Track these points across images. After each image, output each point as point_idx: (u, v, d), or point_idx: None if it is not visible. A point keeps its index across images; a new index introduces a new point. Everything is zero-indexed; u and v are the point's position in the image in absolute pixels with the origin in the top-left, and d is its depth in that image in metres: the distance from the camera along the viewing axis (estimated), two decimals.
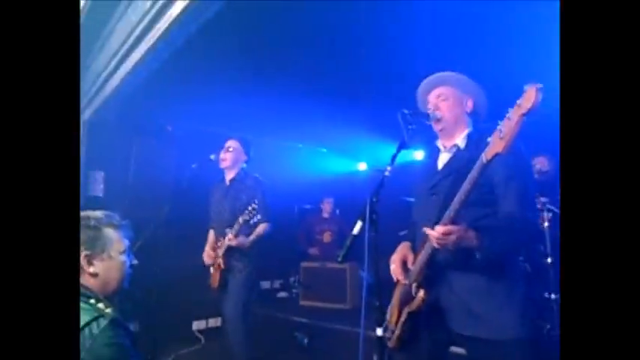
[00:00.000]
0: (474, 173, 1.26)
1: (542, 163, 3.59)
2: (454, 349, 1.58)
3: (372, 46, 3.03)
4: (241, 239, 2.75)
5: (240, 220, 2.69)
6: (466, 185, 1.28)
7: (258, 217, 2.69)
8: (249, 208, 2.67)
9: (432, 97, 1.66)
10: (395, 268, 1.62)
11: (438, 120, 1.61)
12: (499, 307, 1.41)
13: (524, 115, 1.06)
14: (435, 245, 1.35)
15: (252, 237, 2.82)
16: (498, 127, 1.15)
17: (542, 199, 3.17)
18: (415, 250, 1.65)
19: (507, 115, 1.12)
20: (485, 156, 1.20)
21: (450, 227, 1.31)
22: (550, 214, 3.29)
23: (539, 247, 3.36)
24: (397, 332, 1.55)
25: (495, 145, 1.16)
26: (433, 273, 1.50)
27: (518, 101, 1.08)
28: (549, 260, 3.20)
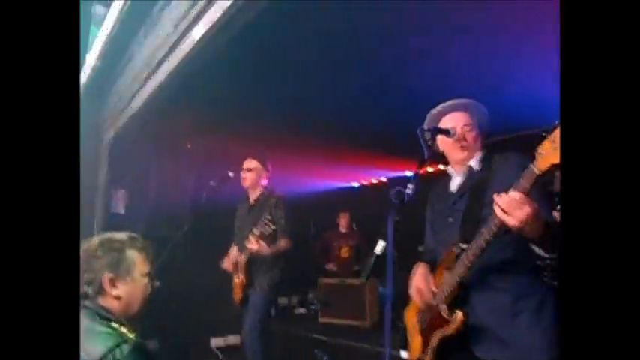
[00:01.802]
0: (524, 184, 1.16)
1: None
2: None
3: (394, 59, 3.05)
4: (262, 244, 2.71)
5: (257, 232, 2.68)
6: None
7: (273, 227, 2.67)
8: (264, 220, 2.66)
9: (454, 124, 1.64)
10: (421, 288, 1.57)
11: (464, 148, 1.61)
12: (528, 329, 1.35)
13: None
14: (500, 215, 1.19)
15: (273, 247, 2.80)
16: (550, 138, 1.09)
17: None
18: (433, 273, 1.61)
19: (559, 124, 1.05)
20: (538, 167, 1.13)
21: (521, 195, 1.15)
22: None
23: None
24: (428, 359, 1.49)
25: (549, 155, 1.10)
26: (465, 294, 1.45)
27: None
28: None
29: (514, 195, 1.16)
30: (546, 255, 1.27)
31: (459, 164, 1.66)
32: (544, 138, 1.12)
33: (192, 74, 2.64)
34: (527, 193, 1.17)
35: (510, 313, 1.38)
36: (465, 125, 1.63)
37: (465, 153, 1.61)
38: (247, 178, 3.02)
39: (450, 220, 1.58)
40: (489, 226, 1.28)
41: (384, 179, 6.40)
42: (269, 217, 2.66)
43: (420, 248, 1.87)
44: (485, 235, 1.30)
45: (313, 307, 5.19)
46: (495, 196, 1.21)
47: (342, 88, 3.46)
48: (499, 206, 1.19)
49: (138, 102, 3.08)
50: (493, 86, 3.09)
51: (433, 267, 1.65)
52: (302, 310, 5.53)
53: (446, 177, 1.73)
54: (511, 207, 1.17)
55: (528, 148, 1.25)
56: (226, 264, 3.02)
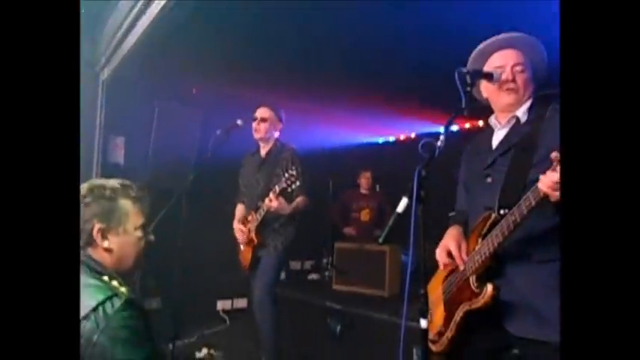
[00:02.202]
0: None
1: None
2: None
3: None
4: (282, 202, 2.71)
5: (278, 188, 2.66)
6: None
7: (297, 183, 2.64)
8: (287, 174, 2.63)
9: (502, 62, 1.55)
10: (454, 252, 1.54)
11: (511, 90, 1.52)
12: None
13: None
14: (548, 192, 1.17)
15: (292, 205, 2.82)
16: None
17: None
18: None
19: None
20: None
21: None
22: None
23: None
24: (450, 333, 1.48)
25: None
26: (498, 265, 1.42)
27: None
28: None
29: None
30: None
31: (505, 112, 1.58)
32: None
33: (196, 6, 2.54)
34: None
35: (553, 287, 1.34)
36: (515, 65, 1.53)
37: (513, 96, 1.53)
38: (261, 129, 2.99)
39: (489, 180, 1.53)
40: (536, 191, 1.22)
41: (412, 135, 6.28)
42: (293, 172, 2.63)
43: (451, 214, 1.82)
44: (530, 200, 1.25)
45: (327, 274, 5.27)
46: (542, 178, 1.19)
47: (365, 26, 3.28)
48: (544, 186, 1.18)
49: (134, 37, 3.00)
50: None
51: (465, 231, 1.61)
52: (315, 276, 5.63)
53: (487, 129, 1.66)
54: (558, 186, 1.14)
55: None
56: (237, 226, 3.05)
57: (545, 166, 1.20)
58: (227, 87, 4.60)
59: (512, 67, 1.52)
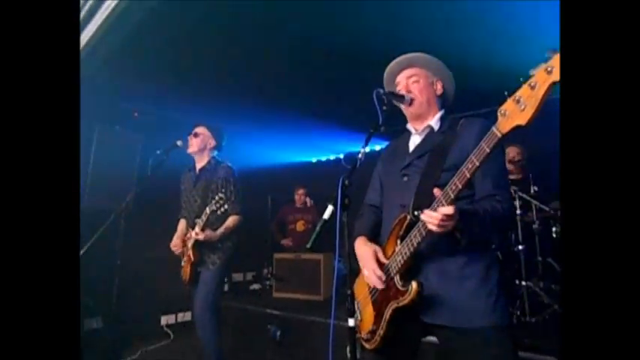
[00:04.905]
0: (484, 148, 1.14)
1: (515, 152, 3.64)
2: (428, 338, 1.52)
3: (351, 34, 2.95)
4: (208, 233, 2.66)
5: (208, 210, 2.61)
6: (473, 161, 1.17)
7: (225, 207, 2.60)
8: (217, 197, 2.59)
9: (401, 79, 1.64)
10: (374, 271, 1.47)
11: (411, 102, 1.58)
12: (474, 294, 1.36)
13: (554, 84, 0.96)
14: (434, 229, 1.24)
15: (220, 230, 2.73)
16: (514, 97, 1.05)
17: (513, 187, 3.20)
18: (379, 240, 1.58)
19: (530, 83, 1.01)
20: (501, 128, 1.09)
21: (452, 209, 1.20)
22: (520, 202, 3.34)
23: (511, 234, 3.41)
24: (382, 331, 1.45)
25: (515, 116, 1.04)
26: (415, 262, 1.41)
27: (544, 66, 0.97)
28: (520, 248, 3.27)
29: (445, 211, 1.20)
30: (461, 239, 1.30)
31: (416, 122, 1.64)
32: (507, 97, 1.07)
33: (134, 25, 2.40)
34: (483, 161, 1.15)
35: (459, 279, 1.38)
36: (409, 77, 1.61)
37: (413, 106, 1.58)
38: (193, 143, 2.92)
39: (405, 179, 1.54)
40: (450, 189, 1.24)
41: (341, 155, 6.40)
42: (221, 196, 2.58)
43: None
44: (444, 199, 1.26)
45: (268, 283, 5.15)
46: (423, 215, 1.25)
47: (306, 51, 3.26)
48: (430, 223, 1.23)
49: None
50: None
51: (376, 228, 1.63)
52: (256, 286, 5.48)
53: (405, 133, 1.70)
54: (442, 222, 1.21)
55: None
56: (174, 243, 2.89)
57: (452, 172, 1.25)
58: (169, 110, 4.42)
59: (407, 79, 1.62)
